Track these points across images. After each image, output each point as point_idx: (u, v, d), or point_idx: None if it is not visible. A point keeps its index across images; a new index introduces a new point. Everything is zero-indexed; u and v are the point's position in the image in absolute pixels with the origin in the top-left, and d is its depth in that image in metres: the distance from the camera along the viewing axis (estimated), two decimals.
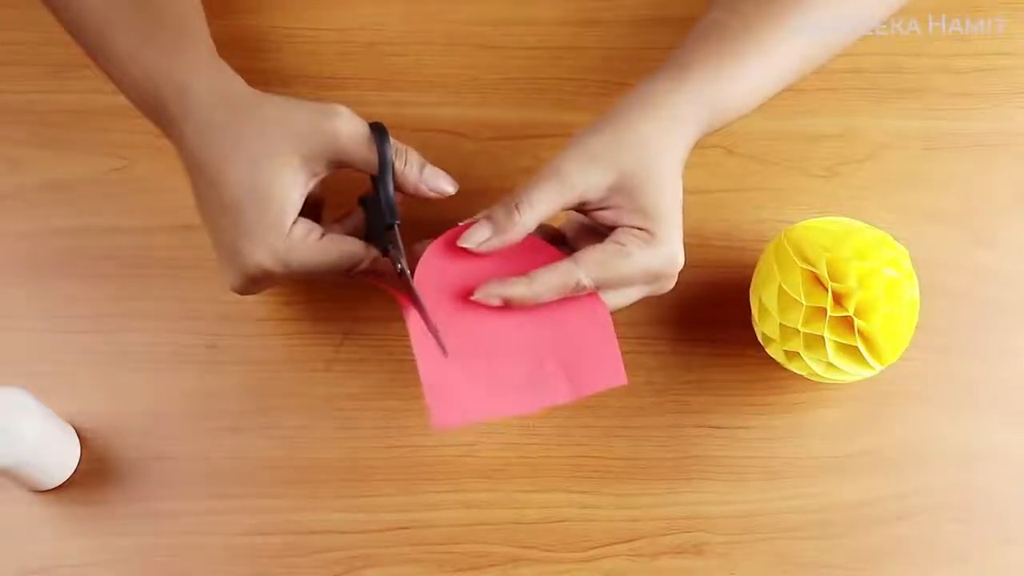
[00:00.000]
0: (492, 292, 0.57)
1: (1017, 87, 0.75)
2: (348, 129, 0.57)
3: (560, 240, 0.62)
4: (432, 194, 0.60)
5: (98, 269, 0.68)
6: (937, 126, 0.74)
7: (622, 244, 0.57)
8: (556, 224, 0.62)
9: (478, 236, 0.57)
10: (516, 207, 0.56)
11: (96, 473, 0.64)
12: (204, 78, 0.58)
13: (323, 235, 0.59)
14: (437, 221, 0.60)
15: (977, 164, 0.73)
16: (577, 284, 0.57)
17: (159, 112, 0.58)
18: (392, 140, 0.59)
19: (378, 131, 0.58)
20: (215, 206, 0.57)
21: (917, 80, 0.75)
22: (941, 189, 0.73)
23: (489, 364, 0.58)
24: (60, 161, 0.70)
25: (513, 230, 0.57)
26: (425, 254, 0.58)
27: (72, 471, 0.64)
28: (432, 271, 0.58)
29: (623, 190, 0.57)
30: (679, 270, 0.59)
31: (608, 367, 0.59)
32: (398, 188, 0.59)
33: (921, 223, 0.72)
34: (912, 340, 0.63)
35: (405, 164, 0.59)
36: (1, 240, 0.68)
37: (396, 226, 0.59)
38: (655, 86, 0.59)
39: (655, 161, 0.57)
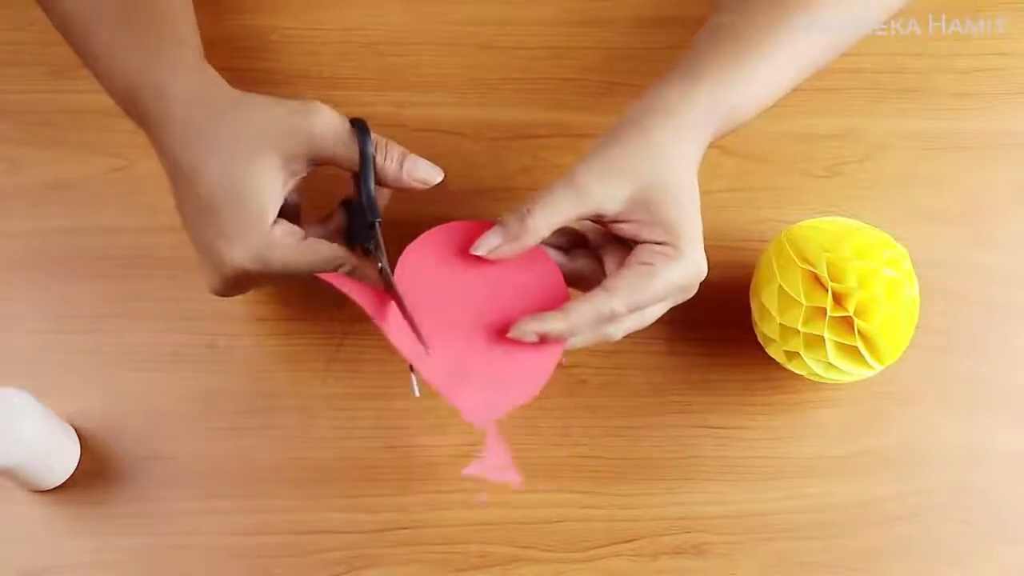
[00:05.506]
0: (528, 329, 0.56)
1: (1017, 87, 0.75)
2: (326, 125, 0.57)
3: (582, 244, 0.61)
4: (416, 184, 0.59)
5: (98, 269, 0.68)
6: (937, 126, 0.74)
7: (649, 263, 0.56)
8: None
9: (490, 243, 0.57)
10: (528, 213, 0.56)
11: (96, 473, 0.64)
12: (183, 79, 0.58)
13: (304, 237, 0.58)
14: (431, 220, 0.60)
15: (977, 164, 0.73)
16: (612, 313, 0.56)
17: (139, 112, 0.58)
18: (373, 135, 0.58)
19: (359, 127, 0.58)
20: (193, 207, 0.57)
21: (917, 80, 0.75)
22: (941, 189, 0.73)
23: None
24: (60, 161, 0.70)
25: (524, 237, 0.56)
26: (409, 248, 0.58)
27: (72, 471, 0.64)
28: (414, 266, 0.58)
29: (642, 203, 0.56)
30: (703, 279, 0.58)
31: (493, 402, 0.57)
32: (380, 182, 0.59)
33: (921, 223, 0.72)
34: (912, 340, 0.63)
35: (386, 157, 0.59)
36: (1, 240, 0.68)
37: (377, 224, 0.58)
38: (668, 93, 0.59)
39: (672, 171, 0.57)
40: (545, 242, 0.59)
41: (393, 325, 0.57)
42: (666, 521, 0.65)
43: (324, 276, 0.57)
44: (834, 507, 0.66)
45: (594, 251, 0.60)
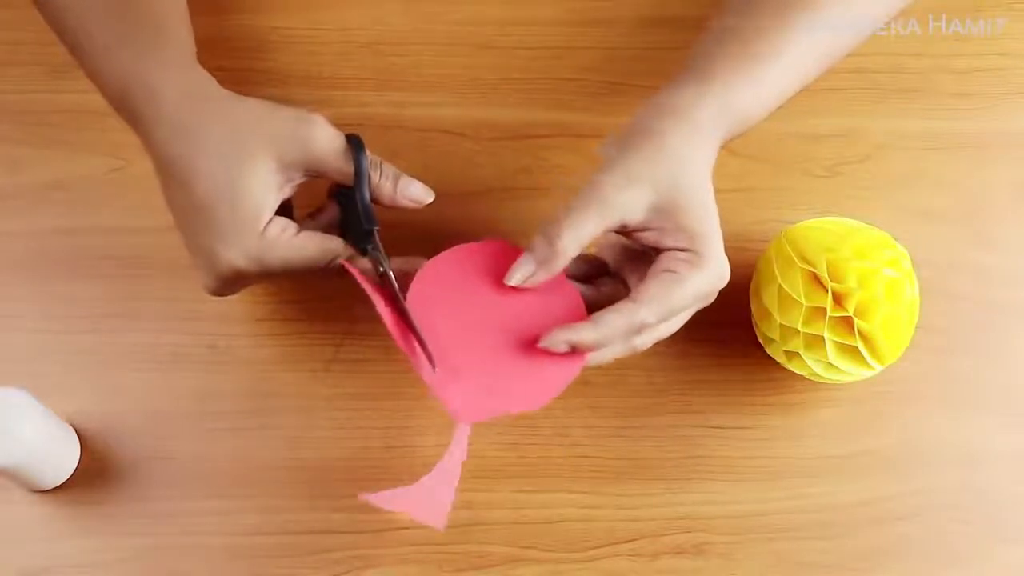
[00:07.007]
0: (560, 339, 0.56)
1: (1017, 87, 0.75)
2: (323, 138, 0.58)
3: (604, 272, 0.61)
4: (409, 204, 0.60)
5: (98, 269, 0.68)
6: (937, 126, 0.74)
7: (674, 271, 0.56)
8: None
9: (523, 272, 0.56)
10: (556, 235, 0.55)
11: (96, 473, 0.64)
12: (175, 79, 0.58)
13: (298, 231, 0.59)
14: (430, 220, 0.60)
15: (977, 164, 0.73)
16: (642, 323, 0.55)
17: (131, 113, 0.58)
18: (367, 152, 0.59)
19: (354, 143, 0.58)
20: (186, 207, 0.57)
21: (917, 80, 0.75)
22: (941, 189, 0.73)
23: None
24: (60, 161, 0.70)
25: (555, 260, 0.56)
26: (422, 271, 0.58)
27: (72, 471, 0.64)
28: (428, 288, 0.58)
29: (663, 210, 0.56)
30: (726, 282, 0.58)
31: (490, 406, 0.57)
32: (373, 200, 0.59)
33: (921, 223, 0.72)
34: (912, 340, 0.63)
35: (380, 176, 0.59)
36: (1, 240, 0.68)
37: (375, 231, 0.59)
38: (679, 96, 0.58)
39: (689, 176, 0.57)
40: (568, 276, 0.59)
41: (408, 340, 0.58)
42: (666, 521, 0.65)
43: (352, 272, 0.58)
44: (834, 507, 0.66)
45: (616, 275, 0.60)
